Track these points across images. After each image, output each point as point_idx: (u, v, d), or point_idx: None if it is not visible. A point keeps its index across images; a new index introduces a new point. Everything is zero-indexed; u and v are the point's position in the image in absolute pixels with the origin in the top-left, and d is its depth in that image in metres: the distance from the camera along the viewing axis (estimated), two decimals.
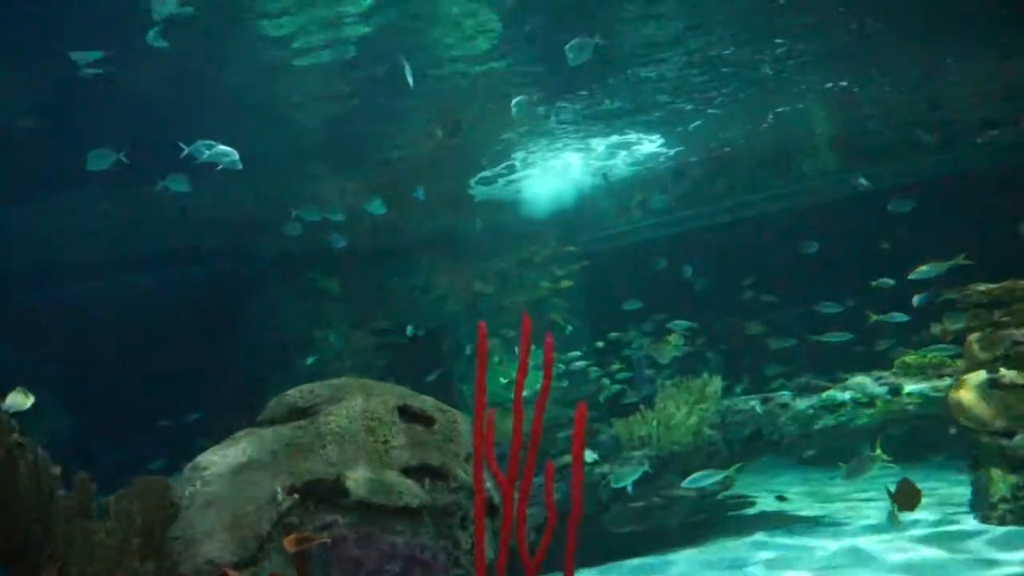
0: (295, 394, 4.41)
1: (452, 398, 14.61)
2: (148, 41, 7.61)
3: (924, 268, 6.61)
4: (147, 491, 3.24)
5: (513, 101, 7.47)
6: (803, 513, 8.71)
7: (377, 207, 11.49)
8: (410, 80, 7.34)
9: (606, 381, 11.57)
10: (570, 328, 15.09)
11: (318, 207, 12.77)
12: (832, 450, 8.72)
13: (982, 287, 5.69)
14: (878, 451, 4.69)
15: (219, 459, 3.83)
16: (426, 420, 4.57)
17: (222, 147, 8.36)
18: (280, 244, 13.53)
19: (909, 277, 6.80)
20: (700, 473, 6.69)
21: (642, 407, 9.28)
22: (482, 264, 15.32)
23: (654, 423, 8.93)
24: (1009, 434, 5.64)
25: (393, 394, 4.57)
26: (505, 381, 14.67)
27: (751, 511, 9.29)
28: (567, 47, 7.19)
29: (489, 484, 4.62)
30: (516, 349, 15.04)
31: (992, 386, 5.76)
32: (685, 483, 6.77)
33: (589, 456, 8.18)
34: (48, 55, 8.07)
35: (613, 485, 7.56)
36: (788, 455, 9.02)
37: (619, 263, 15.19)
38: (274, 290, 14.27)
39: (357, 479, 3.89)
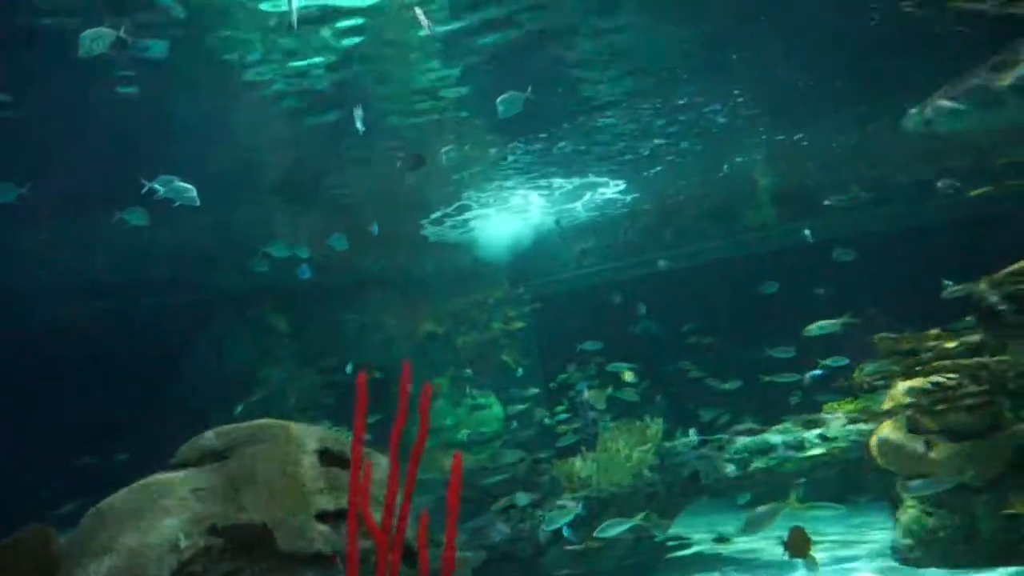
0: (210, 436, 4.36)
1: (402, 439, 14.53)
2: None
3: (816, 326, 7.09)
4: (26, 545, 3.13)
5: (443, 150, 7.65)
6: (738, 555, 8.78)
7: (339, 242, 11.48)
8: (360, 126, 7.45)
9: (550, 422, 11.61)
10: (520, 370, 15.17)
11: (281, 243, 12.75)
12: (765, 493, 8.86)
13: (892, 337, 5.92)
14: (792, 497, 4.77)
15: (120, 504, 3.76)
16: (346, 463, 4.55)
17: (180, 183, 8.35)
18: (228, 279, 13.41)
19: (804, 333, 7.20)
20: (611, 521, 6.78)
21: (583, 448, 9.32)
22: (435, 304, 15.37)
23: (594, 465, 8.96)
24: (923, 477, 5.81)
25: (314, 436, 4.54)
26: (452, 422, 14.64)
27: (687, 552, 9.33)
28: (498, 100, 7.40)
29: (410, 531, 4.61)
30: (468, 389, 15.06)
31: (909, 431, 5.95)
32: (596, 533, 6.83)
33: (522, 499, 8.15)
34: None
35: (544, 528, 7.54)
36: (726, 497, 9.11)
37: (570, 306, 15.36)
38: (220, 325, 14.08)
39: (268, 525, 3.84)
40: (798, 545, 4.52)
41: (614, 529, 6.63)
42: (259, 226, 12.71)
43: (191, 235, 11.87)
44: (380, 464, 4.73)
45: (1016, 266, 4.96)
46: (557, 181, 13.17)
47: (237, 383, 14.02)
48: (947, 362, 5.21)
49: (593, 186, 13.61)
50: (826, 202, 10.60)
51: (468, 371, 14.81)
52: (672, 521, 8.98)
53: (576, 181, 13.25)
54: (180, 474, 4.08)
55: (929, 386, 5.48)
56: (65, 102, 8.51)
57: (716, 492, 8.59)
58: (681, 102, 10.29)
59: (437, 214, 14.22)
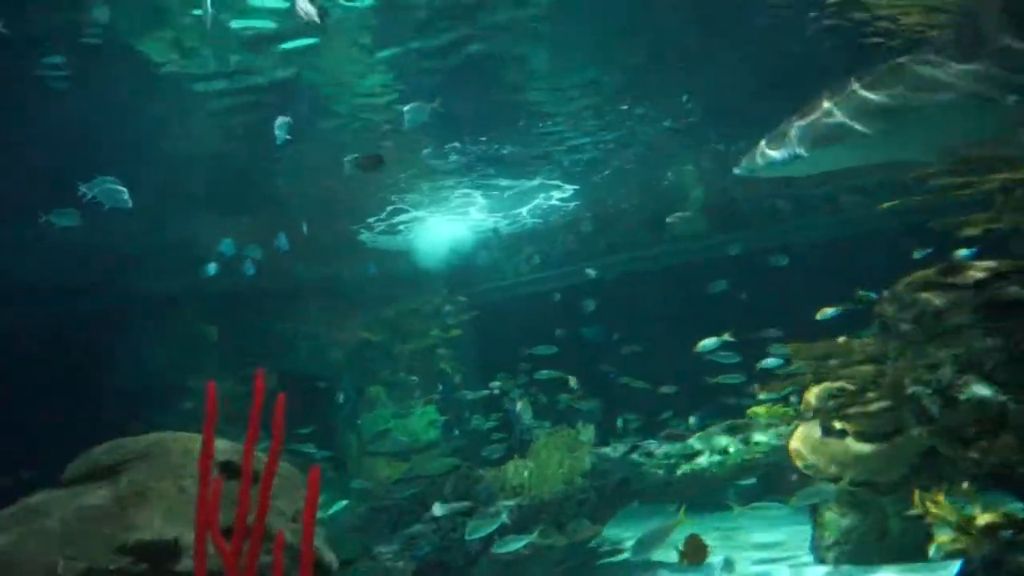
0: (100, 451, 4.13)
1: (337, 447, 14.24)
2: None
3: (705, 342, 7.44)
4: None
5: (406, 108, 7.47)
6: (669, 560, 8.85)
7: (282, 242, 11.16)
8: (283, 136, 7.23)
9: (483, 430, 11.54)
10: (459, 377, 15.04)
11: (194, 247, 12.35)
12: (692, 497, 8.95)
13: (800, 345, 6.05)
14: (681, 515, 4.76)
15: None
16: (254, 477, 4.38)
17: (113, 185, 7.95)
18: (153, 284, 12.93)
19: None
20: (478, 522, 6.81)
21: (515, 456, 9.28)
22: (370, 312, 15.13)
23: (526, 472, 8.92)
24: (837, 479, 5.94)
25: (216, 449, 4.35)
26: (383, 428, 14.42)
27: (619, 559, 9.35)
28: (405, 109, 7.34)
29: (316, 543, 4.46)
30: (405, 398, 14.85)
31: (824, 435, 6.08)
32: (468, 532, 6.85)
33: (439, 509, 8.05)
34: None
35: (467, 537, 7.46)
36: (657, 502, 9.17)
37: (510, 314, 15.33)
38: (145, 333, 13.54)
39: (158, 544, 3.64)
40: (694, 552, 4.54)
41: (483, 530, 6.65)
42: (186, 229, 12.32)
43: (113, 238, 11.41)
44: (287, 475, 4.57)
45: (912, 276, 5.11)
46: (502, 183, 13.04)
47: (162, 393, 13.52)
48: (850, 369, 5.34)
49: (539, 190, 13.57)
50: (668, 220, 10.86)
51: (414, 378, 14.61)
52: (603, 526, 9.00)
53: (523, 184, 13.18)
54: (64, 492, 3.84)
55: (834, 391, 5.61)
56: None
57: (646, 497, 8.63)
58: (624, 107, 10.28)
59: (373, 219, 14.02)
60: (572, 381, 11.13)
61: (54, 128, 8.74)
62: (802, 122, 5.79)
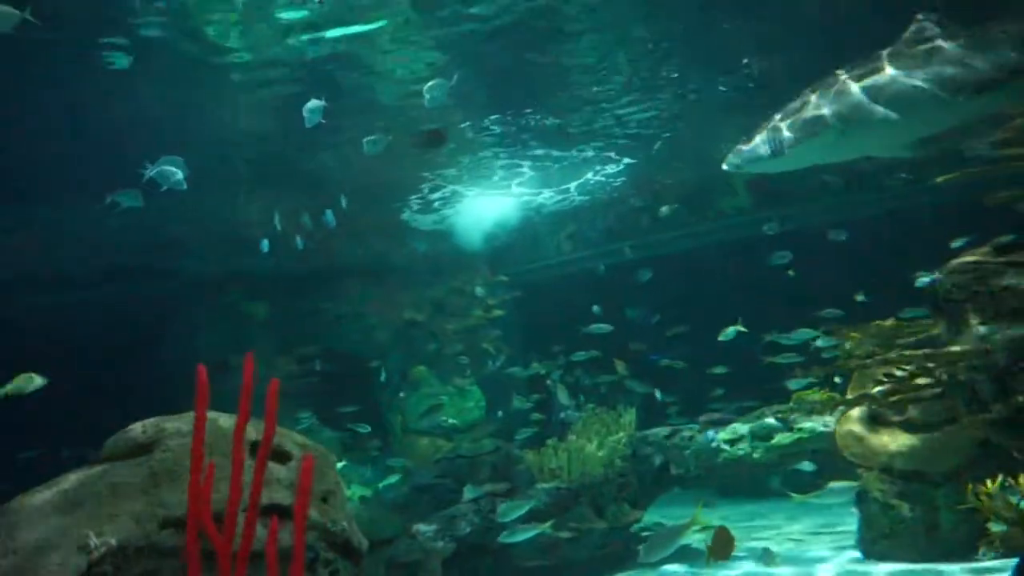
0: (138, 428, 4.19)
1: (381, 426, 14.42)
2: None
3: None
4: None
5: (426, 87, 7.41)
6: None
7: (330, 218, 11.23)
8: (313, 121, 7.22)
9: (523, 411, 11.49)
10: (502, 357, 15.01)
11: (247, 229, 12.55)
12: (735, 483, 8.75)
13: (849, 331, 5.79)
14: (697, 513, 4.55)
15: (32, 502, 3.60)
16: (282, 456, 4.40)
17: (168, 167, 8.07)
18: (202, 266, 13.21)
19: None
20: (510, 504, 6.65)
21: (555, 438, 9.20)
22: (415, 292, 15.20)
23: (565, 455, 8.85)
24: (888, 469, 5.70)
25: (250, 429, 4.38)
26: (433, 403, 14.50)
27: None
28: (425, 88, 7.25)
29: (345, 524, 4.47)
30: (449, 377, 14.91)
31: (872, 422, 5.84)
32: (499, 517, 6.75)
33: (471, 492, 8.03)
34: None
35: (499, 520, 7.42)
36: (698, 488, 9.01)
37: (552, 294, 15.22)
38: (195, 313, 13.88)
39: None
40: (720, 548, 4.37)
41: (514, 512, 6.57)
42: (231, 211, 12.52)
43: (161, 221, 11.67)
44: (316, 456, 4.58)
45: (967, 254, 4.82)
46: (553, 153, 12.74)
47: (212, 372, 13.81)
48: (898, 353, 5.08)
49: (592, 163, 13.23)
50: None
51: (464, 358, 14.59)
52: (644, 512, 8.88)
53: (573, 156, 12.87)
54: (99, 469, 3.92)
55: (882, 376, 5.35)
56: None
57: (687, 483, 8.48)
58: (675, 74, 9.91)
59: (415, 197, 14.02)
60: (620, 367, 10.87)
61: (111, 110, 8.96)
62: (787, 117, 5.79)
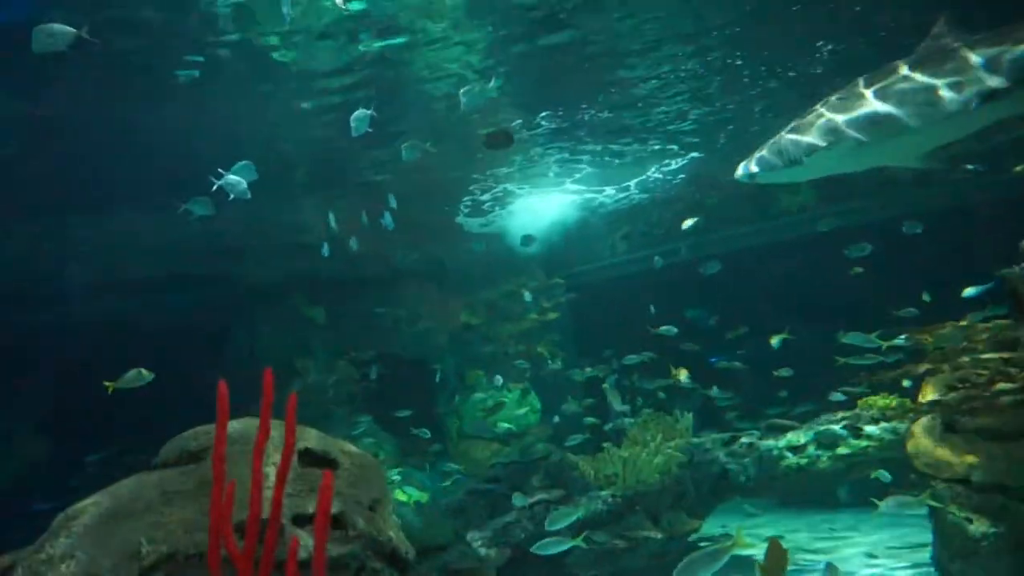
0: (189, 435, 4.25)
1: (438, 430, 14.48)
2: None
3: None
4: None
5: (462, 91, 7.39)
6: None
7: (388, 221, 11.31)
8: (360, 130, 7.27)
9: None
10: (558, 361, 14.86)
11: (306, 234, 12.77)
12: (799, 493, 8.40)
13: (920, 333, 5.44)
14: (737, 535, 4.25)
15: (91, 507, 3.67)
16: (329, 463, 4.39)
17: (232, 176, 8.28)
18: (262, 271, 13.49)
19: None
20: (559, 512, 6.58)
21: (609, 444, 9.03)
22: (470, 295, 15.21)
23: (620, 462, 8.67)
24: (964, 481, 5.35)
25: (300, 437, 4.39)
26: (483, 413, 14.48)
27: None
28: (461, 92, 7.20)
29: (392, 533, 4.43)
30: (499, 379, 14.84)
31: (946, 431, 5.49)
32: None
33: (520, 500, 7.91)
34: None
35: (547, 527, 7.30)
36: (759, 497, 8.69)
37: (606, 296, 15.00)
38: (256, 318, 14.19)
39: (236, 529, 3.70)
40: (773, 564, 4.11)
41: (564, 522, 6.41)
42: (288, 216, 12.76)
43: (223, 228, 11.96)
44: (365, 465, 4.56)
45: None
46: (609, 151, 12.51)
47: (275, 374, 14.07)
48: (973, 357, 4.74)
49: (655, 158, 12.94)
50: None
51: (521, 362, 14.51)
52: (702, 521, 8.62)
53: (634, 151, 12.62)
54: (154, 476, 3.97)
55: (958, 381, 5.01)
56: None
57: (747, 492, 8.18)
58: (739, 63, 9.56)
59: (469, 199, 14.03)
60: (683, 375, 10.46)
61: (177, 120, 9.23)
62: (803, 125, 5.77)
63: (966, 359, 4.69)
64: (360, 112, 7.18)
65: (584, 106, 10.55)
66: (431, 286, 15.13)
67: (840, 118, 5.48)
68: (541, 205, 14.80)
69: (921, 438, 5.66)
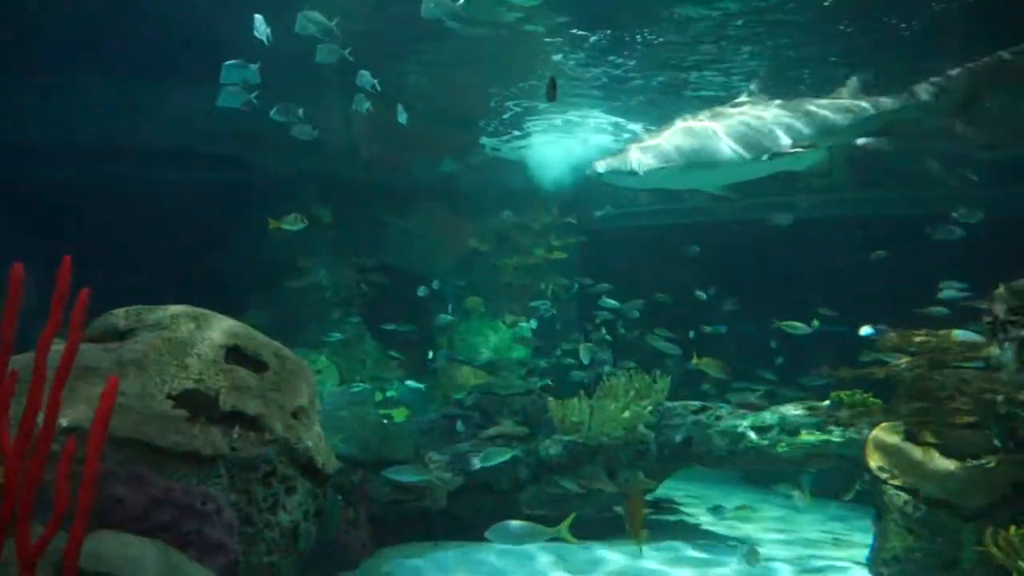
0: (119, 314, 4.21)
1: (429, 348, 14.53)
2: None
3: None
4: None
5: None
6: (722, 531, 8.36)
7: (401, 115, 11.04)
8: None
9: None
10: (553, 305, 14.66)
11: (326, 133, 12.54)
12: (762, 473, 8.29)
13: (895, 337, 5.18)
14: (566, 524, 4.46)
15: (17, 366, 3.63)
16: (257, 364, 4.34)
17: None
18: (276, 162, 13.32)
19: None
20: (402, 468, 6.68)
21: (582, 392, 8.94)
22: (480, 220, 14.98)
23: (588, 410, 8.60)
24: (913, 491, 5.19)
25: (227, 332, 4.33)
26: (481, 342, 14.47)
27: (671, 518, 8.96)
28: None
29: (310, 443, 4.39)
30: (504, 312, 14.76)
31: (906, 439, 5.29)
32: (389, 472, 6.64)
33: (460, 426, 7.90)
34: None
35: (480, 464, 7.32)
36: (718, 469, 8.63)
37: (618, 245, 14.70)
38: (266, 209, 14.09)
39: (142, 412, 3.67)
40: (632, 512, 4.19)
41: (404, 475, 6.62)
42: (313, 110, 12.47)
43: (241, 113, 11.74)
44: (292, 368, 4.49)
45: None
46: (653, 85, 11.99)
47: (277, 269, 14.14)
48: (929, 371, 4.49)
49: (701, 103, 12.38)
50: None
51: (547, 304, 14.29)
52: (659, 483, 8.59)
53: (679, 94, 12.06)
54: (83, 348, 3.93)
55: (916, 393, 4.79)
56: None
57: (708, 461, 8.10)
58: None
59: (494, 124, 13.63)
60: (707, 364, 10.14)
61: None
62: (651, 140, 6.68)
63: (926, 372, 4.45)
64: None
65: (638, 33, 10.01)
66: (443, 204, 14.91)
67: (675, 145, 6.44)
68: (569, 141, 14.36)
69: (880, 440, 5.48)
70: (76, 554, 2.50)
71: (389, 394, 13.29)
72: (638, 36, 10.02)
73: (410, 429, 9.75)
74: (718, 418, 7.89)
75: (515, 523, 4.47)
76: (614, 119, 13.49)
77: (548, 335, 14.65)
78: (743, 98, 6.95)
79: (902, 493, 5.28)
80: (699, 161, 6.48)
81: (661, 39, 9.83)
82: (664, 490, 9.10)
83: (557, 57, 10.84)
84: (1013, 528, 3.84)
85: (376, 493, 7.66)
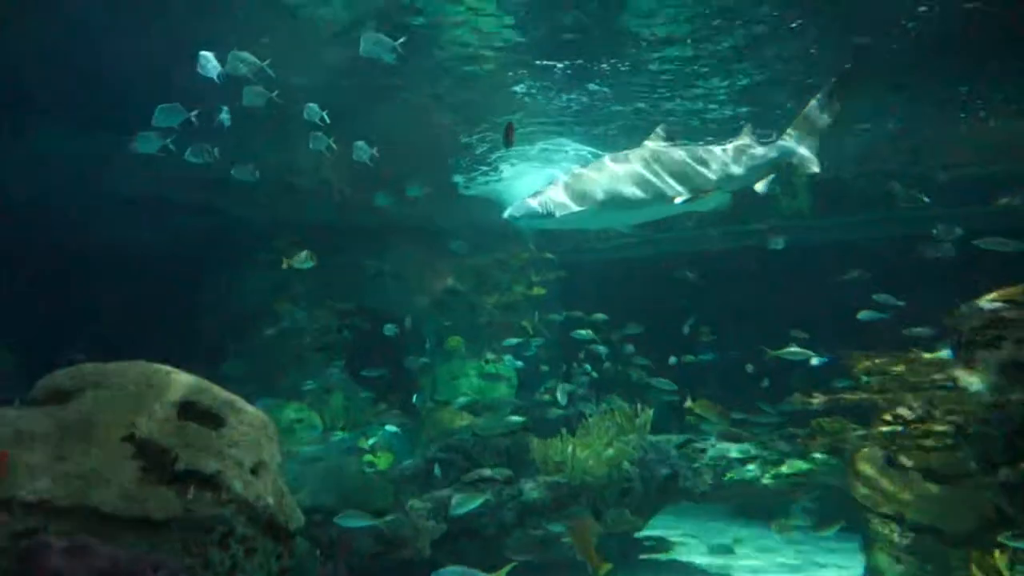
0: (64, 374, 4.03)
1: (411, 390, 14.30)
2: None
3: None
4: None
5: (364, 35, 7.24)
6: (715, 570, 8.14)
7: (363, 152, 11.00)
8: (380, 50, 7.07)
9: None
10: (539, 339, 14.54)
11: (299, 177, 12.45)
12: (751, 505, 8.13)
13: (867, 361, 5.12)
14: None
15: None
16: (214, 419, 4.17)
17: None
18: (248, 208, 13.20)
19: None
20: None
21: (563, 431, 8.78)
22: (457, 260, 14.88)
23: (570, 450, 8.43)
24: (899, 519, 5.06)
25: (181, 387, 4.16)
26: (463, 384, 14.26)
27: (663, 557, 8.73)
28: (362, 36, 7.14)
29: (271, 500, 4.21)
30: (484, 352, 14.59)
31: (888, 464, 5.19)
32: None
33: (438, 470, 7.72)
34: None
35: (451, 513, 7.12)
36: (706, 504, 8.44)
37: (598, 279, 14.64)
38: (242, 257, 13.94)
39: (86, 478, 3.49)
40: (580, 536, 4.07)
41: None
42: (283, 156, 12.41)
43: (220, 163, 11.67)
44: (256, 424, 4.32)
45: (998, 293, 4.09)
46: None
47: (253, 314, 13.93)
48: (899, 393, 4.41)
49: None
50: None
51: (537, 340, 14.15)
52: (646, 521, 8.39)
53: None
54: (14, 414, 3.76)
55: (890, 418, 4.71)
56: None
57: (693, 497, 7.93)
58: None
59: (466, 160, 13.61)
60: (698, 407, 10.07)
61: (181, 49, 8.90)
62: (566, 183, 6.82)
63: (896, 395, 4.37)
64: (374, 35, 6.92)
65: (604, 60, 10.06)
66: (419, 245, 14.81)
67: (587, 188, 6.64)
68: (552, 171, 14.35)
69: (862, 469, 5.36)
70: None
71: (371, 441, 13.02)
72: (605, 65, 10.12)
73: (392, 476, 9.52)
74: (702, 451, 7.75)
75: (453, 568, 4.39)
76: (591, 148, 13.54)
77: (532, 373, 14.48)
78: (653, 142, 7.22)
79: (888, 521, 5.15)
80: (612, 203, 6.72)
81: (628, 65, 9.90)
82: (655, 529, 8.87)
83: (519, 88, 10.88)
84: (997, 552, 3.72)
85: (357, 545, 7.43)
